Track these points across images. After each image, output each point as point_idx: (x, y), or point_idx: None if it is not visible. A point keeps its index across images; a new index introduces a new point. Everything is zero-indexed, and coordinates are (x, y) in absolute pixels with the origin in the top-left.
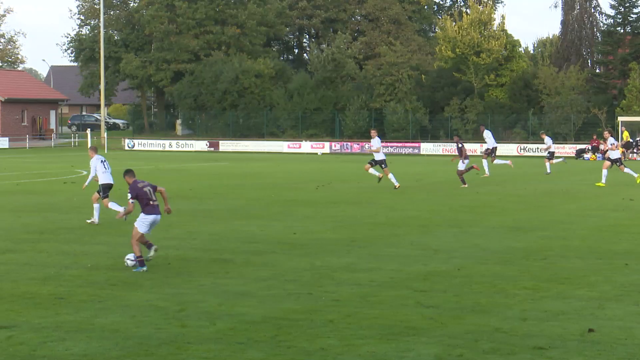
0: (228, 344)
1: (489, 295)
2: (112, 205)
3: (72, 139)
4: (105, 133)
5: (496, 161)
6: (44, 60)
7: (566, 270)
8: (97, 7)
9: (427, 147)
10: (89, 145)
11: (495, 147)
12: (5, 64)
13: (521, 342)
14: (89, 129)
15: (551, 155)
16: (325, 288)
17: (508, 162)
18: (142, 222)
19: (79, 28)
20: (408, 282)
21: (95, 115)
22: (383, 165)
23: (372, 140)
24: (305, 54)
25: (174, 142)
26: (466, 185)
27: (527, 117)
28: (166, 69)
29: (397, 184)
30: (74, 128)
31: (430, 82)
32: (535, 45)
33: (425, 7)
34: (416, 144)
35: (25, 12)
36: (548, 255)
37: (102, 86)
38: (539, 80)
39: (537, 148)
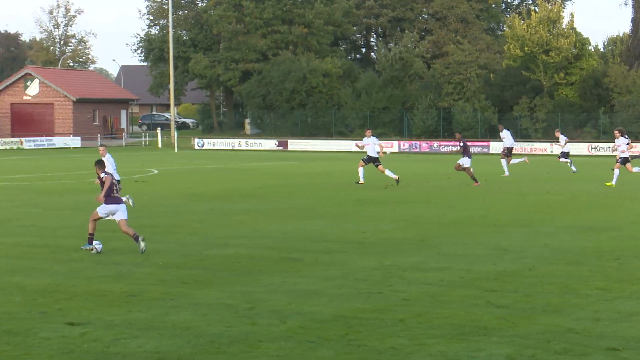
0: (298, 343)
1: (560, 295)
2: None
3: (143, 138)
4: (175, 132)
5: (512, 161)
6: (114, 60)
7: (639, 271)
8: (166, 7)
9: (496, 146)
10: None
11: (512, 147)
12: (77, 64)
13: (594, 343)
14: (159, 128)
15: (565, 155)
16: (395, 287)
17: (524, 159)
18: (104, 209)
19: (148, 28)
20: (478, 281)
21: (165, 114)
22: (377, 163)
23: (365, 139)
24: (372, 53)
25: (242, 141)
26: (478, 184)
27: (597, 116)
28: (234, 69)
29: (396, 177)
30: (144, 127)
31: (499, 80)
32: (605, 43)
33: (493, 5)
34: (485, 143)
35: (96, 13)
36: (621, 255)
37: (171, 86)
38: (610, 78)
39: (609, 147)
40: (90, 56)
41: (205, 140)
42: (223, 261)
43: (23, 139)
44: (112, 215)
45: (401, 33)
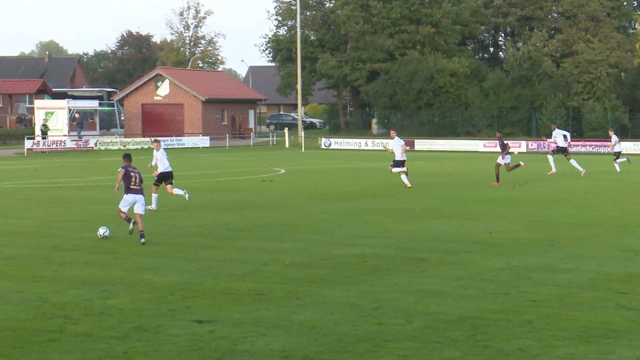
0: (425, 343)
1: None
2: (176, 191)
3: (270, 138)
4: (302, 132)
5: (572, 161)
6: (242, 61)
7: None
8: (294, 8)
9: (627, 146)
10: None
11: (565, 147)
12: (206, 65)
13: None
14: (286, 128)
15: (617, 155)
16: (522, 288)
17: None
18: (124, 201)
19: (276, 29)
20: (608, 283)
21: (292, 114)
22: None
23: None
24: (500, 53)
25: (369, 140)
26: (499, 183)
27: None
28: (361, 69)
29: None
30: (272, 127)
31: (630, 79)
32: None
33: (625, 3)
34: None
35: (225, 14)
36: None
37: (299, 86)
38: None
39: None
40: (219, 57)
41: (332, 140)
42: (349, 260)
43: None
44: (132, 205)
45: (530, 32)
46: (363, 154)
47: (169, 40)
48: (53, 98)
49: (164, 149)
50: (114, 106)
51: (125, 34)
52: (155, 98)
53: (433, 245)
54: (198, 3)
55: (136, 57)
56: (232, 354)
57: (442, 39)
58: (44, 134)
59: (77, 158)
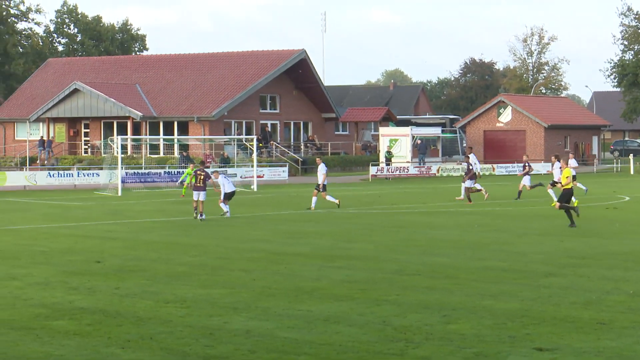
0: None
1: None
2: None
3: (615, 165)
4: None
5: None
6: (586, 86)
7: None
8: None
9: None
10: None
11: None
12: (549, 91)
13: None
14: (631, 155)
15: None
16: None
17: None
18: (195, 196)
19: (622, 53)
20: None
21: (638, 140)
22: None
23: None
24: None
25: None
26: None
27: None
28: None
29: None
30: (616, 153)
31: None
32: None
33: None
34: None
35: (569, 40)
36: None
37: None
38: None
39: None
40: (562, 83)
41: None
42: None
43: (495, 165)
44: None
45: None
46: None
47: (511, 67)
48: (397, 125)
49: (226, 176)
50: (456, 133)
51: (468, 62)
52: (497, 125)
53: None
54: (542, 29)
55: (479, 84)
56: None
57: None
58: (388, 160)
59: (419, 184)
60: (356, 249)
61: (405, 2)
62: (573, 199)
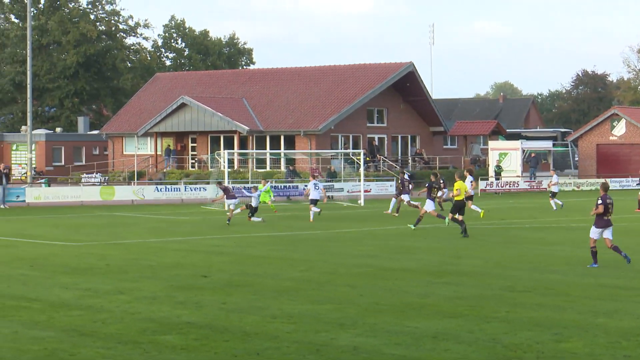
0: None
1: None
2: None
3: None
4: None
5: (472, 206)
6: None
7: None
8: None
9: None
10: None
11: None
12: None
13: None
14: None
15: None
16: None
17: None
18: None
19: None
20: None
21: None
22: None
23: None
24: None
25: None
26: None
27: None
28: None
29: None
30: None
31: None
32: None
33: None
34: None
35: None
36: None
37: None
38: None
39: None
40: None
41: None
42: None
43: (608, 180)
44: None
45: None
46: None
47: (625, 79)
48: (507, 139)
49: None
50: (568, 146)
51: (580, 73)
52: (611, 138)
53: None
54: None
55: (591, 97)
56: None
57: None
58: (498, 174)
59: (529, 199)
60: (465, 265)
61: (514, 13)
62: None
